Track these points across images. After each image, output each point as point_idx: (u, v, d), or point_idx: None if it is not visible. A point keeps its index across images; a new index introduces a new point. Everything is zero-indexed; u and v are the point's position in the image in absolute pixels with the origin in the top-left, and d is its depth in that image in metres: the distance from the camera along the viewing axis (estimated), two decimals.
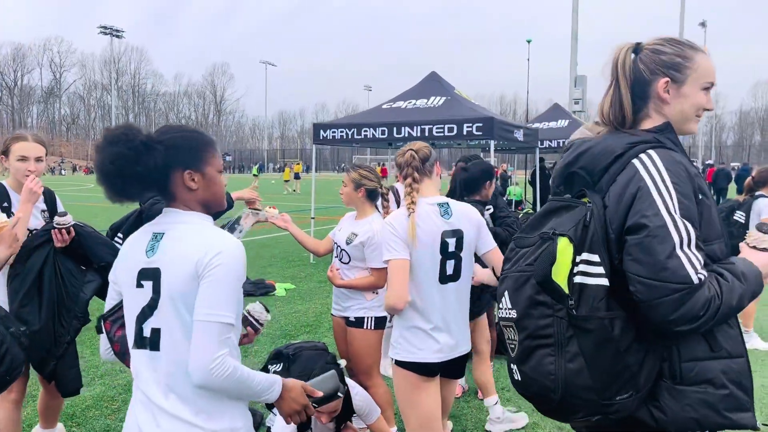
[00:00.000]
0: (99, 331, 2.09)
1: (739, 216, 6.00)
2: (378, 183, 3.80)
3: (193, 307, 1.76)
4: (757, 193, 5.97)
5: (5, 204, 3.26)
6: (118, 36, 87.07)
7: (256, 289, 8.36)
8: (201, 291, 1.76)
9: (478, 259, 3.03)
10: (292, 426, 2.20)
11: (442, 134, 9.40)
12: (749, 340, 6.08)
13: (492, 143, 9.67)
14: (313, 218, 11.69)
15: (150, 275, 1.84)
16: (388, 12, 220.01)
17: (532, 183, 17.03)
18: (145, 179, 1.82)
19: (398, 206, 3.63)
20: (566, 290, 1.63)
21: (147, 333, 1.85)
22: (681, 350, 1.67)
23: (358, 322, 3.71)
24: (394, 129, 9.70)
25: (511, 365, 1.81)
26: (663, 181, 1.64)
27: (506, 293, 1.79)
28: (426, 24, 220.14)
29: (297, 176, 37.56)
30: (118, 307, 1.99)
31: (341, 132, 10.40)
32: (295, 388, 1.95)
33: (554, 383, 1.66)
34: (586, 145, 1.83)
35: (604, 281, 1.63)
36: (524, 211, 17.32)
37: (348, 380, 3.46)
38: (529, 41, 37.42)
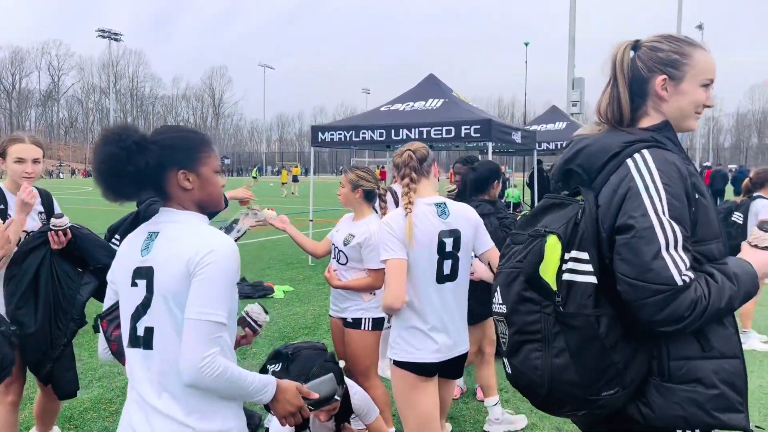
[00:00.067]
0: (96, 331, 2.09)
1: (737, 217, 6.02)
2: (375, 184, 3.80)
3: (185, 305, 1.76)
4: (754, 194, 5.99)
5: (1, 206, 3.25)
6: (116, 39, 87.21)
7: (254, 291, 8.35)
8: (192, 289, 1.75)
9: None
10: (289, 427, 2.19)
11: (440, 136, 9.39)
12: (747, 341, 6.09)
13: (490, 145, 9.67)
14: (311, 221, 11.68)
15: (144, 274, 1.84)
16: (386, 15, 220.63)
17: (530, 185, 17.02)
18: (137, 179, 1.83)
19: (397, 207, 3.63)
20: (554, 287, 1.66)
21: (141, 332, 1.85)
22: (670, 348, 1.67)
23: (356, 323, 3.71)
24: (392, 131, 9.69)
25: (504, 359, 1.85)
26: (653, 181, 1.64)
27: (498, 289, 1.83)
28: (424, 27, 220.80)
29: (295, 179, 37.56)
30: (115, 307, 1.99)
31: (339, 134, 10.40)
32: (289, 390, 1.94)
33: (541, 378, 1.70)
34: (585, 143, 1.83)
35: (593, 279, 1.65)
36: (522, 213, 17.30)
37: (347, 380, 3.45)
38: (527, 44, 37.53)
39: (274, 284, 8.87)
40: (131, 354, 1.88)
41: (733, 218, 6.03)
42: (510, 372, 1.81)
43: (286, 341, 6.10)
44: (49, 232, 3.15)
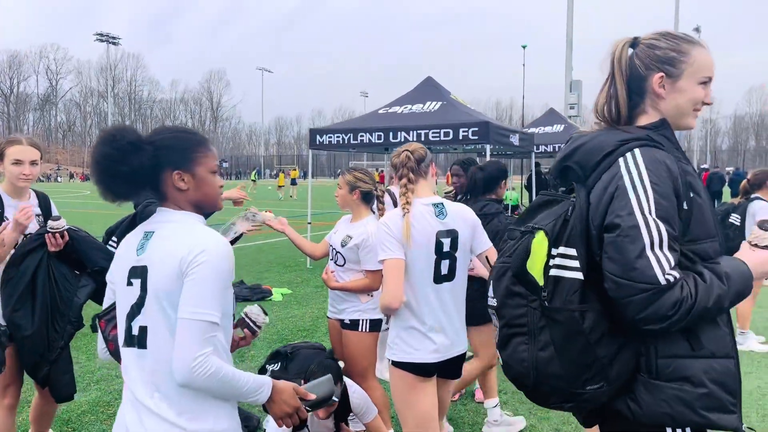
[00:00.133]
0: (94, 330, 2.10)
1: (734, 219, 6.03)
2: (373, 185, 3.80)
3: (178, 305, 1.76)
4: (752, 196, 6.00)
5: None
6: (114, 43, 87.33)
7: (252, 294, 8.35)
8: (185, 289, 1.75)
9: None
10: (286, 428, 2.19)
11: (438, 139, 9.41)
12: (745, 342, 6.09)
13: (488, 148, 9.67)
14: (309, 223, 11.68)
15: (138, 273, 1.85)
16: (384, 18, 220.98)
17: (528, 188, 17.03)
18: (132, 179, 1.83)
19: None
20: (540, 282, 1.71)
21: (135, 331, 1.85)
22: (658, 346, 1.68)
23: (353, 325, 3.71)
24: (390, 134, 9.70)
25: (497, 350, 1.89)
26: (641, 180, 1.65)
27: (491, 283, 1.88)
28: (422, 30, 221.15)
29: (294, 182, 37.57)
30: (113, 307, 2.00)
31: (337, 137, 10.41)
32: (286, 391, 1.93)
33: (527, 370, 1.75)
34: (582, 140, 1.84)
35: (579, 275, 1.67)
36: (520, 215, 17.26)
37: (346, 379, 3.45)
38: (524, 47, 37.64)
39: (272, 287, 8.87)
40: (126, 353, 1.88)
41: (730, 220, 6.04)
42: (502, 363, 1.87)
43: (285, 344, 6.09)
44: (46, 235, 3.14)
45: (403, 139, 9.51)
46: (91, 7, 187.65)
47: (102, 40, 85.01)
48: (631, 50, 1.85)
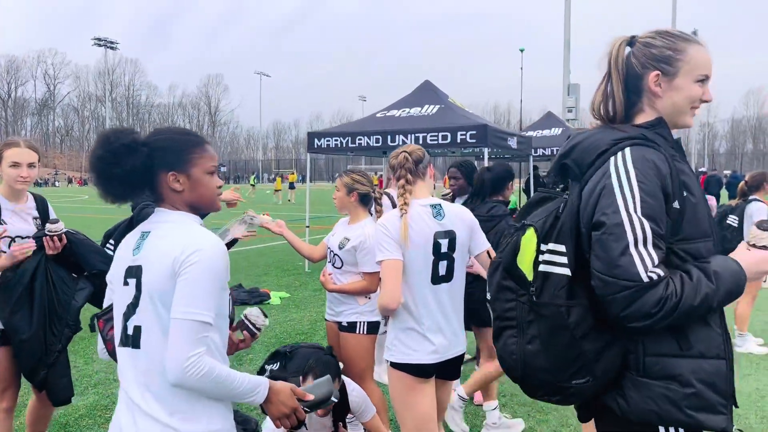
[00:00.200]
0: (92, 330, 2.09)
1: (732, 220, 6.05)
2: (370, 187, 3.80)
3: (171, 305, 1.75)
4: (750, 197, 6.02)
5: None
6: (112, 48, 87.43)
7: (250, 297, 8.35)
8: (178, 289, 1.74)
9: None
10: (284, 429, 2.18)
11: (436, 142, 9.41)
12: (743, 344, 6.09)
13: (486, 151, 9.69)
14: (308, 227, 11.69)
15: (134, 273, 1.85)
16: (382, 22, 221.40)
17: (527, 191, 17.03)
18: (126, 180, 1.84)
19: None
20: (529, 277, 1.75)
21: (130, 331, 1.84)
22: (646, 344, 1.69)
23: (351, 327, 3.71)
24: (389, 137, 9.71)
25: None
26: (628, 179, 1.66)
27: (488, 278, 1.95)
28: (420, 34, 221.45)
29: (292, 186, 37.58)
30: (112, 307, 1.99)
31: (336, 140, 10.41)
32: (283, 391, 1.92)
33: (515, 362, 1.81)
34: (579, 138, 1.86)
35: (567, 271, 1.70)
36: None
37: (344, 378, 3.44)
38: (522, 50, 37.71)
39: (271, 290, 8.87)
40: (121, 353, 1.88)
41: (728, 221, 6.06)
42: (497, 354, 1.91)
43: None
44: (44, 238, 3.14)
45: (401, 143, 9.52)
46: (89, 12, 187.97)
47: (100, 45, 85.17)
48: (628, 49, 1.86)
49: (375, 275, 3.55)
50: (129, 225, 3.52)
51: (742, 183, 6.33)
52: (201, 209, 1.97)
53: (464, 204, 4.28)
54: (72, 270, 3.28)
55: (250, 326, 2.33)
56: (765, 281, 6.58)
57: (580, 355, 1.69)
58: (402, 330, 2.83)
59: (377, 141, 9.87)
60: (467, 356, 5.22)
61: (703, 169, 38.40)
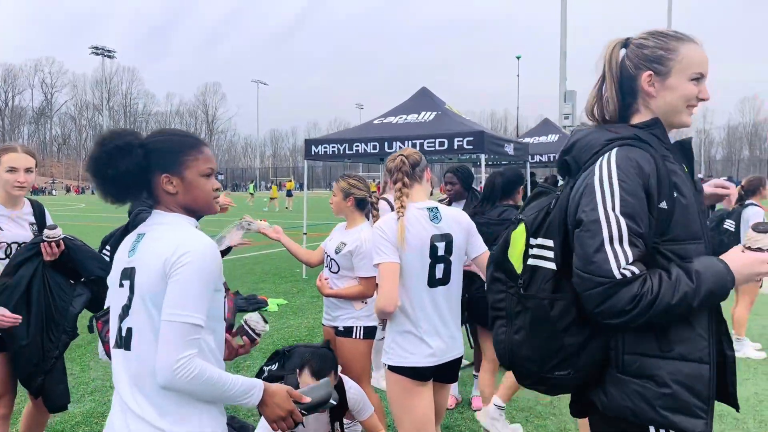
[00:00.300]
0: (91, 331, 2.09)
1: (729, 224, 6.05)
2: (367, 192, 3.81)
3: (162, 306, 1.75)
4: (746, 202, 6.03)
5: None
6: (109, 56, 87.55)
7: (247, 304, 8.33)
8: (168, 290, 1.73)
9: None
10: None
11: (433, 148, 9.42)
12: (741, 349, 6.08)
13: (483, 157, 9.69)
14: (305, 234, 11.68)
15: (128, 275, 1.85)
16: (380, 31, 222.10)
17: (524, 197, 17.04)
18: (120, 182, 1.84)
19: None
20: (518, 270, 1.82)
21: (124, 333, 1.84)
22: (626, 342, 1.71)
23: (347, 332, 3.71)
24: (386, 144, 9.72)
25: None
26: (609, 178, 1.68)
27: (486, 269, 2.04)
28: (417, 42, 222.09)
29: (289, 194, 37.56)
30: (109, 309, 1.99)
31: (333, 147, 10.42)
32: (279, 394, 1.90)
33: (503, 351, 1.89)
34: (579, 135, 1.89)
35: (553, 265, 1.75)
36: None
37: (343, 376, 3.43)
38: (518, 58, 37.85)
39: (268, 297, 8.86)
40: (115, 355, 1.88)
41: (725, 226, 6.06)
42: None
43: None
44: (42, 244, 3.13)
45: (398, 149, 9.45)
46: (86, 21, 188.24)
47: (97, 54, 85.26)
48: (623, 51, 1.87)
49: (371, 280, 3.56)
50: (125, 231, 3.52)
51: (738, 187, 6.34)
52: (197, 212, 1.96)
53: (475, 207, 4.31)
54: (69, 276, 3.27)
55: (250, 332, 2.32)
56: (762, 287, 6.58)
57: (562, 348, 1.73)
58: (399, 333, 2.83)
59: (374, 148, 9.88)
60: (465, 362, 5.23)
61: (701, 176, 38.52)
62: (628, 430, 1.73)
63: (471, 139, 9.25)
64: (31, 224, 3.38)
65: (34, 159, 3.31)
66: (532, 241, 1.81)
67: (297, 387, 3.26)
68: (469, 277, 3.39)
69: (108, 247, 3.60)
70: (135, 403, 1.78)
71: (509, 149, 10.73)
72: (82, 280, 3.31)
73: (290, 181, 44.24)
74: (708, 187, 2.23)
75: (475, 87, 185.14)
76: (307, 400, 2.01)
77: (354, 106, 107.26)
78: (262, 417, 2.01)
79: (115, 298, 1.90)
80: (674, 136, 1.94)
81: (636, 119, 1.86)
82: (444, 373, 2.92)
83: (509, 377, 4.15)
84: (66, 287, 3.24)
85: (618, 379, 1.71)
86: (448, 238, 2.86)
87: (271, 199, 37.33)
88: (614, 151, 1.73)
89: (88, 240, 3.45)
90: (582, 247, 1.65)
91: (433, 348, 2.81)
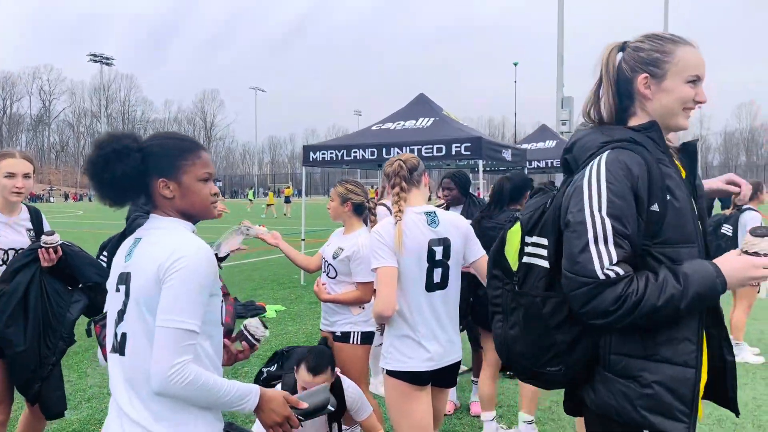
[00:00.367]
0: (89, 335, 2.08)
1: (726, 229, 6.07)
2: (364, 197, 3.81)
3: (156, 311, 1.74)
4: (743, 207, 6.04)
5: None
6: (107, 64, 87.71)
7: (246, 311, 8.32)
8: (162, 296, 1.72)
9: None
10: None
11: (431, 154, 9.43)
12: (739, 353, 6.08)
13: (480, 163, 9.71)
14: (303, 240, 11.67)
15: (124, 279, 1.84)
16: (377, 38, 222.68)
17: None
18: (117, 185, 1.84)
19: None
20: (513, 268, 1.87)
21: (119, 337, 1.83)
22: (613, 342, 1.72)
23: (345, 337, 3.71)
24: (384, 150, 9.73)
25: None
26: (598, 179, 1.69)
27: (486, 267, 2.08)
28: (415, 49, 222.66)
29: (287, 200, 37.57)
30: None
31: (331, 153, 10.43)
32: (275, 399, 1.89)
33: (499, 345, 1.93)
34: (579, 135, 1.90)
35: (546, 264, 1.79)
36: None
37: (341, 376, 3.42)
38: (515, 64, 37.96)
39: (266, 304, 8.85)
40: (111, 359, 1.87)
41: (722, 230, 6.08)
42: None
43: None
44: (39, 250, 3.13)
45: (396, 155, 9.51)
46: (84, 28, 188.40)
47: (96, 61, 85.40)
48: (620, 55, 1.88)
49: (369, 285, 3.56)
50: (122, 236, 3.52)
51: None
52: (194, 216, 1.95)
53: (483, 211, 4.31)
54: (67, 282, 3.27)
55: (250, 337, 2.32)
56: (759, 291, 6.58)
57: (554, 345, 1.76)
58: (397, 337, 2.82)
59: (372, 154, 9.89)
60: (463, 367, 5.22)
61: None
62: (616, 428, 1.74)
63: (469, 144, 9.26)
64: (29, 230, 3.38)
65: (32, 165, 3.31)
66: (527, 240, 1.84)
67: (295, 384, 3.24)
68: (474, 280, 3.38)
69: (105, 253, 3.60)
70: (131, 407, 1.77)
71: (507, 155, 10.75)
72: (80, 286, 3.30)
73: (288, 187, 44.23)
74: (718, 182, 2.22)
75: (473, 93, 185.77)
76: (304, 405, 2.00)
77: (352, 112, 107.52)
78: (257, 420, 2.00)
79: (111, 302, 1.90)
80: (680, 138, 1.95)
81: (633, 122, 1.87)
82: (442, 378, 2.92)
83: (524, 388, 4.15)
84: (63, 293, 3.23)
85: (605, 377, 1.74)
86: (446, 243, 2.86)
87: (268, 205, 37.36)
88: (606, 153, 1.74)
89: (86, 247, 3.44)
90: (569, 248, 1.68)
91: (431, 352, 2.80)
